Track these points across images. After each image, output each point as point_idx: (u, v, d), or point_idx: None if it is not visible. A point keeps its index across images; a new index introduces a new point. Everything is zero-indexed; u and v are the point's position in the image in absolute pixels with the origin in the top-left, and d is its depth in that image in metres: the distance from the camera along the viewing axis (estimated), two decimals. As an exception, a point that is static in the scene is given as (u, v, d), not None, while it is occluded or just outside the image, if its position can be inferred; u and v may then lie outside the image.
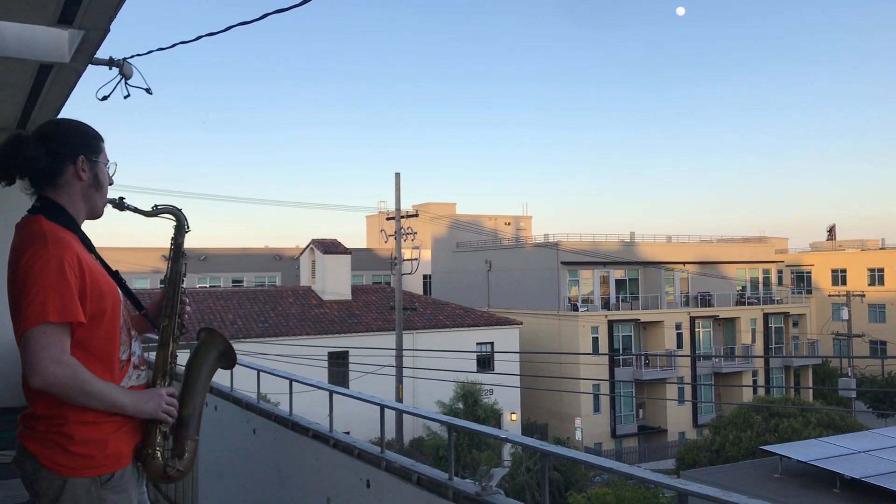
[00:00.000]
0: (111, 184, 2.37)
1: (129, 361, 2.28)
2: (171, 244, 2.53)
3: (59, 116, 2.40)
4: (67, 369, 2.01)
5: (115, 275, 2.33)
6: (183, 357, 2.55)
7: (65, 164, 2.22)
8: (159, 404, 2.23)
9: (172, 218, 2.53)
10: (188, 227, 2.56)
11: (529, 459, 22.69)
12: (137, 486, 2.28)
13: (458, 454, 23.95)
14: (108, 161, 2.35)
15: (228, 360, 2.62)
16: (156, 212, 2.48)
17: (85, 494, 2.10)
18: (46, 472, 2.09)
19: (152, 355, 2.48)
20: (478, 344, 31.12)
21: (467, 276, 45.78)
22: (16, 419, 2.23)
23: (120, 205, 2.39)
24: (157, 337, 2.48)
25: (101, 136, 2.36)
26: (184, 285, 2.51)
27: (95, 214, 2.34)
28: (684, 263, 42.17)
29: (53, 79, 3.71)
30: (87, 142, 2.29)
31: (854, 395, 35.00)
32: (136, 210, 2.42)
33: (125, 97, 4.27)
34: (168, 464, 2.29)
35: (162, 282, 44.07)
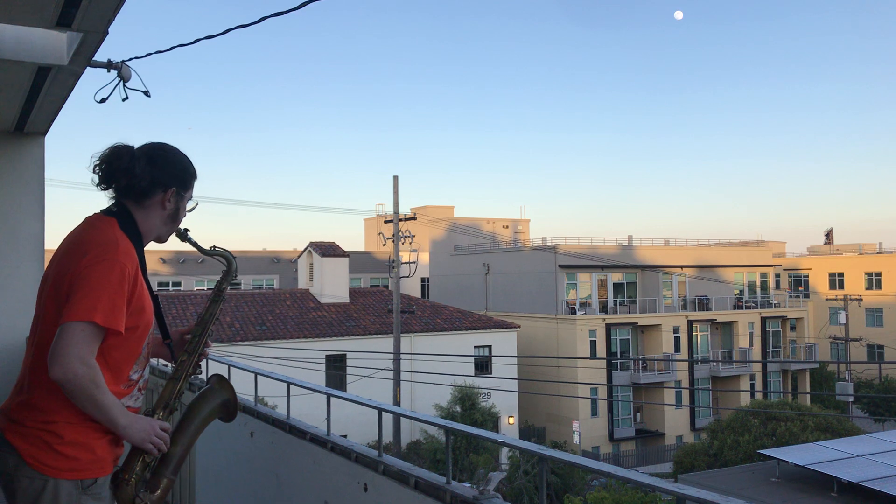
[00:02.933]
0: (185, 217, 2.45)
1: (136, 382, 2.29)
2: (216, 287, 2.58)
3: (165, 142, 2.47)
4: (89, 371, 2.01)
5: (155, 299, 2.36)
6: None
7: (157, 190, 2.31)
8: (149, 435, 2.21)
9: (224, 262, 2.60)
10: (236, 276, 2.63)
11: (527, 463, 22.65)
12: (111, 500, 2.26)
13: (456, 458, 23.93)
14: (191, 198, 2.43)
15: (229, 414, 2.64)
16: (212, 253, 2.54)
17: (66, 497, 2.07)
18: (29, 470, 2.06)
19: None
20: (475, 347, 31.11)
21: (465, 279, 45.78)
22: None
23: (183, 235, 2.47)
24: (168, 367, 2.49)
25: (196, 175, 2.44)
26: (213, 326, 2.55)
27: (161, 240, 2.43)
28: (682, 267, 42.21)
29: (52, 81, 3.71)
30: (184, 177, 2.38)
31: (851, 399, 35.02)
32: (195, 245, 2.50)
33: (123, 100, 4.27)
34: (139, 495, 2.26)
35: (160, 285, 43.97)
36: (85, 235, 2.18)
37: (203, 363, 2.56)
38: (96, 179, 2.30)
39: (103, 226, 2.20)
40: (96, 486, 2.14)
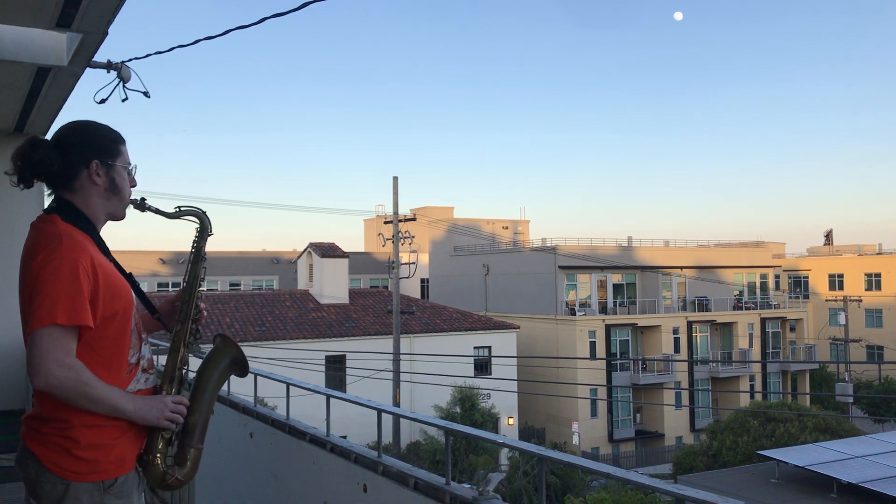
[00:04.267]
0: (134, 185, 2.35)
1: (137, 365, 2.26)
2: (193, 247, 2.49)
3: (77, 119, 2.36)
4: (71, 372, 1.99)
5: (129, 277, 2.31)
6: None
7: (78, 169, 2.21)
8: (162, 412, 2.20)
9: (196, 220, 2.49)
10: (211, 231, 2.52)
11: (527, 464, 22.65)
12: (138, 491, 2.26)
13: (456, 459, 23.91)
14: (128, 164, 2.32)
15: (241, 369, 2.57)
16: (178, 214, 2.45)
17: (88, 499, 2.08)
18: (50, 475, 2.07)
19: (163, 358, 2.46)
20: (475, 348, 31.10)
21: (465, 279, 45.77)
22: (17, 422, 2.22)
23: (141, 205, 2.36)
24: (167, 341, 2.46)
25: (120, 139, 2.32)
26: (202, 289, 2.48)
27: (116, 217, 2.33)
28: (682, 268, 42.22)
29: (52, 82, 3.71)
30: (102, 145, 2.26)
31: (851, 399, 35.01)
32: (157, 211, 2.39)
33: (123, 100, 4.27)
34: (168, 471, 2.26)
35: (159, 286, 43.97)
36: (31, 241, 2.14)
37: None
38: (14, 181, 2.22)
39: (45, 225, 2.15)
40: (117, 485, 2.14)
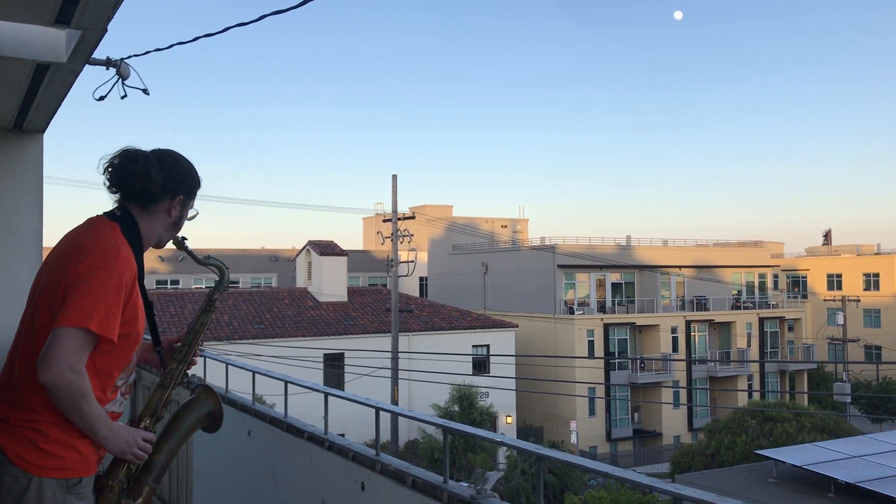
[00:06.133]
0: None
1: (120, 388, 2.28)
2: (207, 297, 2.58)
3: (174, 150, 2.46)
4: (78, 379, 1.99)
5: (149, 306, 2.34)
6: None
7: (166, 196, 2.30)
8: (130, 446, 2.19)
9: (217, 273, 2.61)
10: (227, 287, 2.64)
11: (525, 463, 22.66)
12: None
13: (454, 457, 23.92)
14: (192, 207, 2.43)
15: (213, 424, 2.62)
16: (206, 262, 2.55)
17: (50, 496, 2.06)
18: (13, 468, 2.04)
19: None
20: (473, 346, 31.11)
21: (463, 278, 45.78)
22: None
23: (180, 244, 2.47)
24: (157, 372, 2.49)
25: (200, 184, 2.44)
26: (203, 335, 2.55)
27: (160, 246, 2.43)
28: (680, 267, 42.24)
29: (50, 79, 3.70)
30: (191, 185, 2.38)
31: (849, 399, 35.07)
32: (190, 253, 2.53)
33: (122, 97, 4.26)
34: (121, 501, 2.25)
35: (158, 283, 43.97)
36: (85, 239, 2.15)
37: (199, 362, 2.57)
38: (107, 182, 2.27)
39: (105, 230, 2.18)
40: (81, 485, 2.12)
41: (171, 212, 2.33)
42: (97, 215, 2.27)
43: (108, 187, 2.27)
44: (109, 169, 2.26)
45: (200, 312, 2.54)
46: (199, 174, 2.43)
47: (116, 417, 2.27)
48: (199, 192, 2.44)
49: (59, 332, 1.97)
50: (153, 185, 2.24)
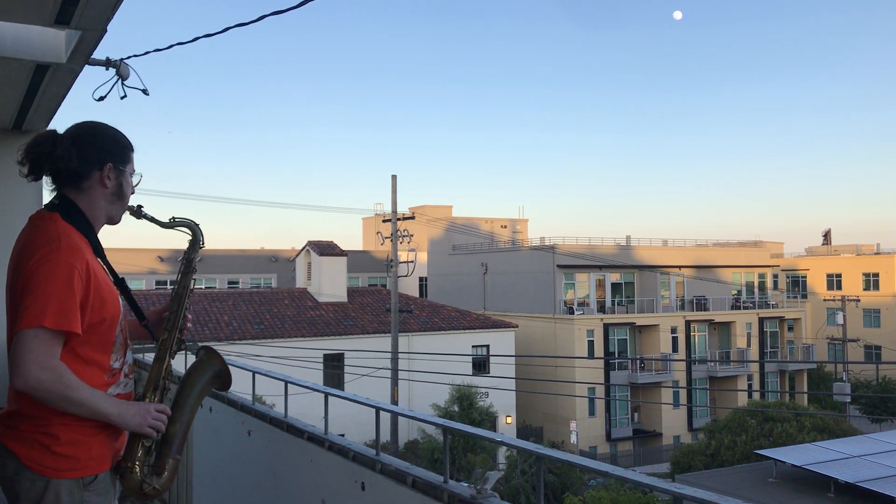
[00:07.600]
0: (133, 193, 2.37)
1: (120, 370, 2.25)
2: (183, 258, 2.51)
3: (90, 119, 2.36)
4: (52, 374, 1.96)
5: (121, 283, 2.31)
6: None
7: (92, 169, 2.22)
8: (145, 419, 2.18)
9: (188, 232, 2.52)
10: (203, 243, 2.55)
11: (524, 463, 22.66)
12: (114, 496, 2.25)
13: (454, 457, 23.92)
14: (134, 171, 2.35)
15: (223, 383, 2.59)
16: (172, 224, 2.47)
17: (68, 496, 2.07)
18: (29, 472, 2.05)
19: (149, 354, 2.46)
20: (473, 347, 31.10)
21: (463, 278, 45.77)
22: None
23: (137, 213, 2.38)
24: (152, 345, 2.45)
25: (132, 146, 2.35)
26: (189, 300, 2.48)
27: (113, 221, 2.34)
28: (680, 267, 42.23)
29: (50, 79, 3.70)
30: (118, 150, 2.29)
31: (849, 399, 35.06)
32: (152, 220, 2.42)
33: (122, 98, 4.25)
34: (145, 480, 2.24)
35: (157, 283, 43.97)
36: (28, 237, 2.11)
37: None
38: (24, 173, 2.20)
39: (45, 223, 2.13)
40: (97, 482, 2.13)
41: (105, 182, 2.23)
42: (38, 211, 2.23)
43: (26, 177, 2.21)
44: (20, 160, 2.20)
45: (181, 275, 2.48)
46: (125, 137, 2.33)
47: (127, 398, 2.26)
48: (133, 156, 2.33)
49: (19, 335, 1.96)
50: (67, 161, 2.16)
